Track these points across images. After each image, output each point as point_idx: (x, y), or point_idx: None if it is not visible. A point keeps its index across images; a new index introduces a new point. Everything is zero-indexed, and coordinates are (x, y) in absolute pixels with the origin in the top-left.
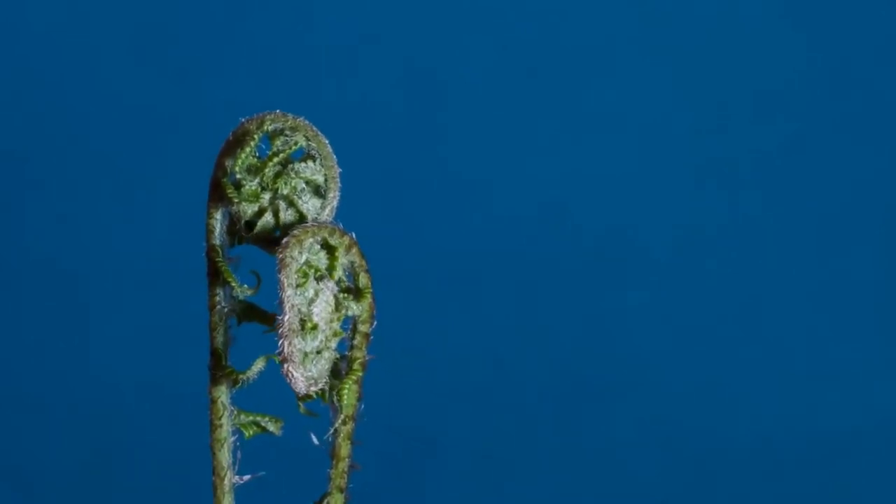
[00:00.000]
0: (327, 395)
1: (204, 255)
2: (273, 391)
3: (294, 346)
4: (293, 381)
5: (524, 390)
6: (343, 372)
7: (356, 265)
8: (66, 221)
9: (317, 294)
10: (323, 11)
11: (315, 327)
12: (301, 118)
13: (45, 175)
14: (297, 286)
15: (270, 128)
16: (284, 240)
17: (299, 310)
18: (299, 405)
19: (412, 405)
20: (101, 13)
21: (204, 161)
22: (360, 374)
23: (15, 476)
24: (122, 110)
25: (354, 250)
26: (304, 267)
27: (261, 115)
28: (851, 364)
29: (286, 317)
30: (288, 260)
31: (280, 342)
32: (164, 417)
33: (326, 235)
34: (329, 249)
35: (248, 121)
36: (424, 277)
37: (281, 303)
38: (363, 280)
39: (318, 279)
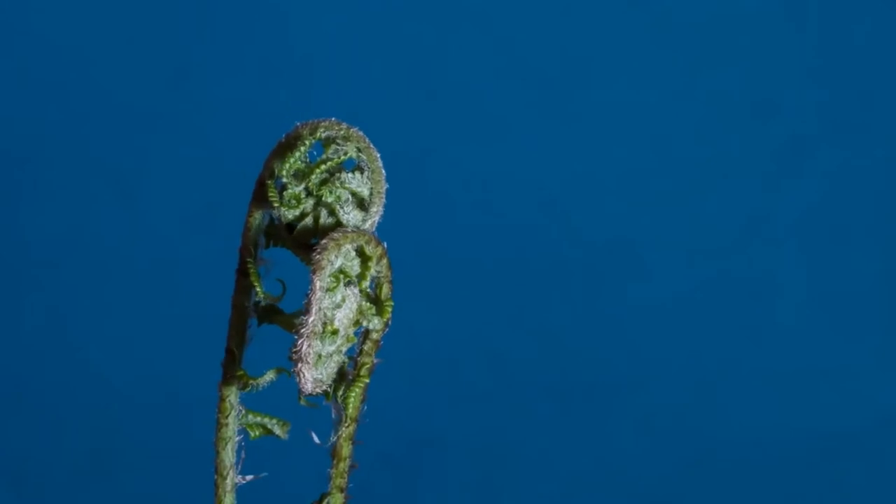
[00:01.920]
0: (331, 395)
1: (237, 251)
2: (274, 386)
3: (312, 347)
4: (303, 381)
5: (524, 391)
6: (349, 375)
7: (381, 275)
8: (66, 221)
9: (343, 300)
10: (324, 12)
11: (335, 332)
12: (355, 128)
13: (45, 175)
14: (328, 290)
15: (323, 135)
16: (323, 241)
17: (324, 313)
18: (301, 397)
19: (412, 405)
20: (101, 13)
21: (205, 160)
22: (367, 380)
23: (15, 476)
24: (123, 111)
25: (384, 261)
26: (336, 272)
27: (315, 121)
28: (851, 364)
29: (311, 318)
30: (324, 263)
31: (299, 341)
32: (165, 417)
33: (363, 243)
34: (363, 258)
35: (301, 125)
36: (424, 278)
37: (308, 303)
38: (385, 290)
39: (346, 285)
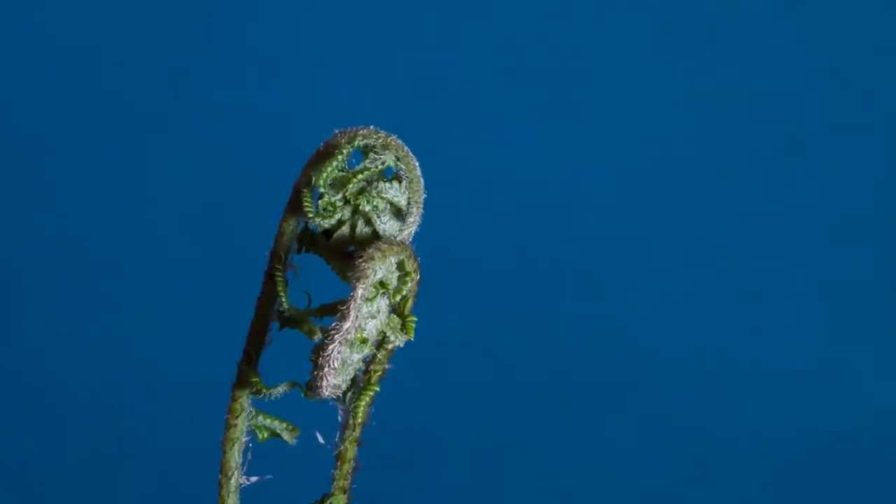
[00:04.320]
0: (339, 398)
1: (267, 254)
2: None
3: (341, 354)
4: (322, 386)
5: (525, 391)
6: (360, 382)
7: (409, 291)
8: (66, 221)
9: (378, 311)
10: (324, 12)
11: (364, 342)
12: (393, 137)
13: (46, 175)
14: (367, 299)
15: (361, 143)
16: (369, 250)
17: (360, 322)
18: (307, 394)
19: (413, 406)
20: (101, 13)
21: (205, 160)
22: (378, 389)
23: (15, 476)
24: (123, 110)
25: (418, 277)
26: (377, 282)
27: (354, 129)
28: (852, 363)
29: (346, 325)
30: (369, 272)
31: (329, 346)
32: (164, 416)
33: (405, 258)
34: (402, 272)
35: (340, 133)
36: (424, 278)
37: (346, 310)
38: (410, 305)
39: (381, 296)
